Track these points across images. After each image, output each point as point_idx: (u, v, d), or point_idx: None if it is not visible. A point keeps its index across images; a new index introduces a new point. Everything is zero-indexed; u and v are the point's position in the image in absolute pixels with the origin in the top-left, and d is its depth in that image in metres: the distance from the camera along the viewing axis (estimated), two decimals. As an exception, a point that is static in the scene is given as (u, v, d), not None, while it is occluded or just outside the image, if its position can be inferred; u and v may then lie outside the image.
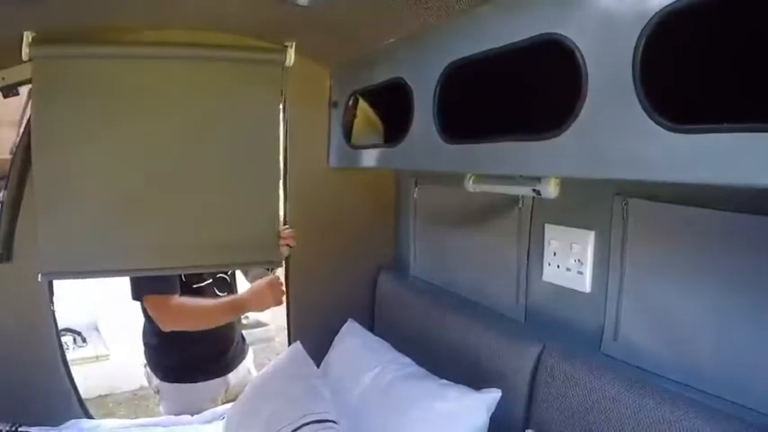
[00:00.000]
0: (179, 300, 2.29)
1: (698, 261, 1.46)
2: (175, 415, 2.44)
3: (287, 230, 2.44)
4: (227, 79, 2.22)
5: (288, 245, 2.42)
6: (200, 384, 2.46)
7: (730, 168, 0.98)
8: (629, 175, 1.25)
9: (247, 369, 2.69)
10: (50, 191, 2.08)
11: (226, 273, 2.55)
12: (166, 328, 2.28)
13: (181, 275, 2.35)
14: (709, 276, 1.43)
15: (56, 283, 2.41)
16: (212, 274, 2.47)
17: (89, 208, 2.13)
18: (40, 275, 2.08)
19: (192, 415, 2.42)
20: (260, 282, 2.43)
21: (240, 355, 2.65)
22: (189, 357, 2.39)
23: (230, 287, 2.59)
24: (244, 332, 2.76)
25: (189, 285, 2.39)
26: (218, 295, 2.47)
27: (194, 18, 2.08)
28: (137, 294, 2.30)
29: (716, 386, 1.39)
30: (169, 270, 2.27)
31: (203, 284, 2.45)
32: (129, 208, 2.17)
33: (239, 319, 2.69)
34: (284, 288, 2.50)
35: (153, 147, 2.18)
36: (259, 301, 2.40)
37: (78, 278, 2.20)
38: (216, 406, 2.48)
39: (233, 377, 2.57)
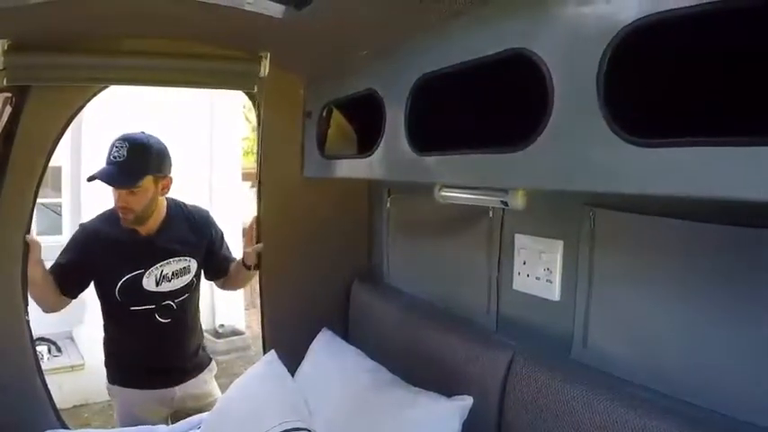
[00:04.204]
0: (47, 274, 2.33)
1: (664, 269, 1.49)
2: (125, 419, 2.47)
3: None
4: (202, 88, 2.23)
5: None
6: (140, 392, 2.47)
7: (692, 181, 1.02)
8: (593, 188, 1.28)
9: (204, 381, 2.65)
10: None
11: (173, 300, 2.46)
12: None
13: (116, 296, 2.34)
14: (675, 283, 1.45)
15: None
16: (156, 301, 2.41)
17: None
18: (5, 80, 1.96)
19: (157, 424, 2.42)
20: None
21: (194, 371, 2.61)
22: (128, 364, 2.40)
23: (176, 316, 2.49)
24: (221, 341, 2.75)
25: (126, 306, 2.36)
26: (160, 321, 2.42)
27: (170, 28, 2.08)
28: None
29: (684, 391, 1.41)
30: (140, 82, 2.30)
31: (142, 308, 2.39)
32: None
33: (194, 334, 2.65)
34: None
35: None
36: None
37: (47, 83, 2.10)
38: (161, 416, 2.52)
39: (179, 390, 2.53)
